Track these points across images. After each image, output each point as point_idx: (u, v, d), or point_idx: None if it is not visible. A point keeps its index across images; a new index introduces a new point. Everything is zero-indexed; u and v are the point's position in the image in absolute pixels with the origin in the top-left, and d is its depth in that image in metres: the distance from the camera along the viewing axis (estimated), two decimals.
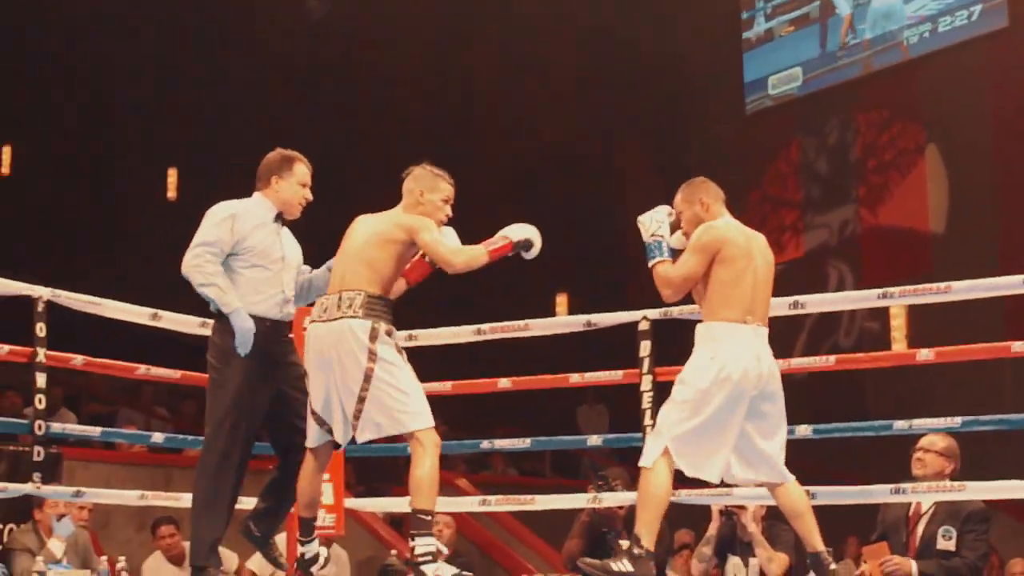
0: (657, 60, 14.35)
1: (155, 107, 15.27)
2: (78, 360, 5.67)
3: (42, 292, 5.36)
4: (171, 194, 16.73)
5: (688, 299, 4.65)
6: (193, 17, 14.95)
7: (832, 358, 5.83)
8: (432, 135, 14.76)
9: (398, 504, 6.83)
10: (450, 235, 4.53)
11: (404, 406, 4.27)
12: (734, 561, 6.03)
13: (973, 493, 5.00)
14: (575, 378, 5.80)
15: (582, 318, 5.62)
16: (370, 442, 4.48)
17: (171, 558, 7.17)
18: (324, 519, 5.72)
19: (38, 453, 5.33)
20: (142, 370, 5.99)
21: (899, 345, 12.32)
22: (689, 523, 7.65)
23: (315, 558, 4.59)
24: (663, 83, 14.93)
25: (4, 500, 5.86)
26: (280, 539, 6.72)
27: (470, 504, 6.49)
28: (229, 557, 6.44)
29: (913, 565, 5.22)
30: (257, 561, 6.82)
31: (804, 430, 5.15)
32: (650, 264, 4.48)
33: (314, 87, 15.67)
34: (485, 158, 15.08)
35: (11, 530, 6.58)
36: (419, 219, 4.43)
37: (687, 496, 5.18)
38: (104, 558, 6.46)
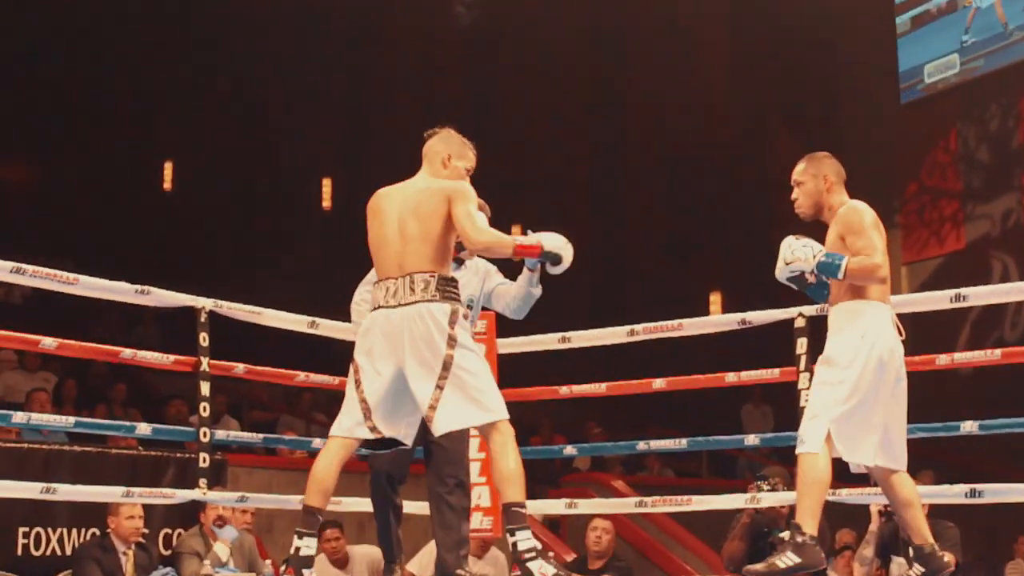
0: (811, 53, 14.14)
1: (310, 119, 15.56)
2: (240, 368, 5.81)
3: (204, 303, 5.50)
4: (326, 204, 17.04)
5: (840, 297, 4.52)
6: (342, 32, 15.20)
7: (997, 352, 5.64)
8: (581, 126, 14.76)
9: (554, 506, 6.84)
10: (481, 218, 4.17)
11: (484, 395, 3.97)
12: (898, 561, 5.89)
13: None
14: (731, 377, 5.72)
15: (736, 316, 5.55)
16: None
17: (335, 561, 7.28)
18: (482, 521, 5.75)
19: (204, 460, 5.46)
20: (301, 377, 6.11)
21: None
22: (850, 523, 7.51)
23: (310, 560, 4.05)
24: (817, 78, 14.70)
25: (173, 506, 6.03)
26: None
27: (627, 506, 6.45)
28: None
29: None
30: (416, 563, 6.89)
31: (970, 426, 5.02)
32: (840, 276, 4.21)
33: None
34: (636, 154, 15.04)
35: (179, 534, 6.76)
36: (460, 186, 4.11)
37: (847, 495, 5.08)
38: (268, 562, 6.60)
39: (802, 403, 5.06)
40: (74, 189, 15.04)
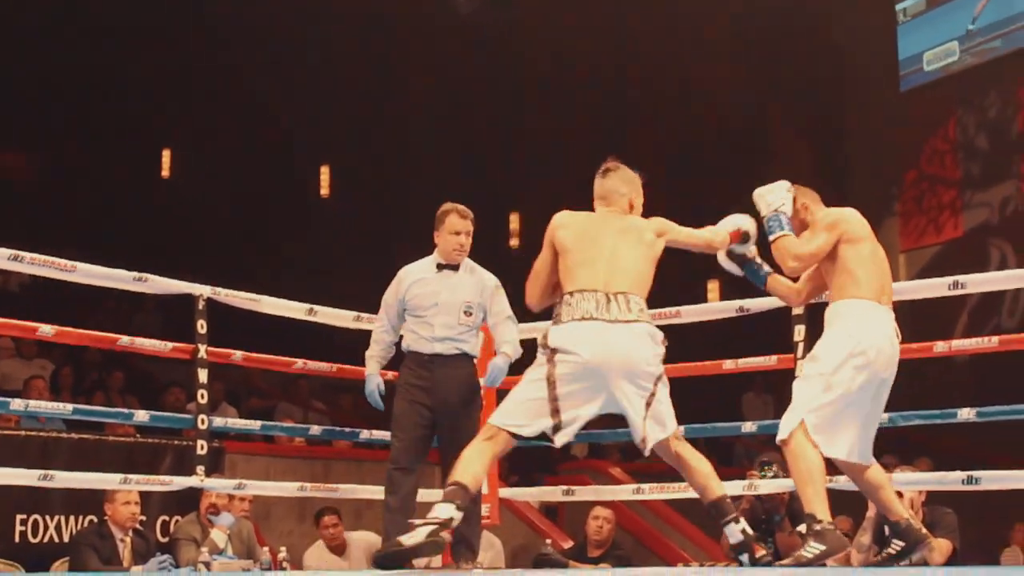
0: (811, 41, 14.11)
1: (309, 106, 15.53)
2: (238, 356, 5.81)
3: (202, 290, 5.51)
4: (324, 191, 17.02)
5: None
6: (352, 28, 15.17)
7: (995, 339, 5.64)
8: (584, 113, 14.73)
9: (551, 494, 6.84)
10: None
11: (670, 409, 4.38)
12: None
13: None
14: (729, 364, 5.73)
15: (734, 303, 5.56)
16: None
17: (333, 548, 7.28)
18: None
19: (201, 447, 5.47)
20: (299, 364, 6.11)
21: None
22: (847, 510, 7.51)
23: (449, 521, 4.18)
24: (817, 63, 14.68)
25: (170, 493, 6.03)
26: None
27: (624, 492, 6.45)
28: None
29: None
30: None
31: (967, 413, 5.03)
32: (772, 238, 4.44)
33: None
34: (635, 144, 15.00)
35: (176, 521, 6.77)
36: (659, 220, 4.52)
37: (846, 482, 5.08)
38: (266, 549, 6.60)
39: None
40: (72, 177, 15.02)
